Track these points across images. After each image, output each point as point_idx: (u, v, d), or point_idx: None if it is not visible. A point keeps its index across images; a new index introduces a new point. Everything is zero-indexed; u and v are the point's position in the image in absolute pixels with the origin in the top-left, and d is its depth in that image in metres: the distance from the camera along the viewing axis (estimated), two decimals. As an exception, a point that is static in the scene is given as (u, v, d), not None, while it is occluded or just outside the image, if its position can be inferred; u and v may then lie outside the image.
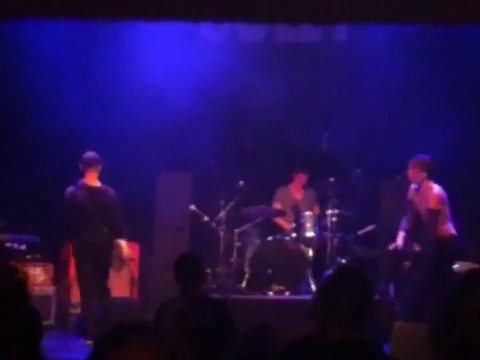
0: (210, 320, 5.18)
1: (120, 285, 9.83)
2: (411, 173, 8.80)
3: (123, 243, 8.68)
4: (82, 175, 8.73)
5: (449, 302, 2.55)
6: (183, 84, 10.41)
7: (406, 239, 9.00)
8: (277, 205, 10.89)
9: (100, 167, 8.77)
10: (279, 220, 10.84)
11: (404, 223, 9.06)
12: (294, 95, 10.91)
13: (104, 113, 10.46)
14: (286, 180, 11.04)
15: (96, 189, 8.70)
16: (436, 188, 8.69)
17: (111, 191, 8.76)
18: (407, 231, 8.98)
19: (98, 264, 8.53)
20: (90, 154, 8.75)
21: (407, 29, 9.63)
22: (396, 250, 9.03)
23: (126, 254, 8.74)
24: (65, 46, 10.35)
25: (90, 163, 8.70)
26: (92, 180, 8.73)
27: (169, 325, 4.93)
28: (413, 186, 8.94)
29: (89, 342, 8.20)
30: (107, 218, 8.61)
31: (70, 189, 8.62)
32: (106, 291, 8.64)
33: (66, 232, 9.51)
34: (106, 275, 8.67)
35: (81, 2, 7.21)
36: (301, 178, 10.91)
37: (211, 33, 10.97)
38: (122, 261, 8.73)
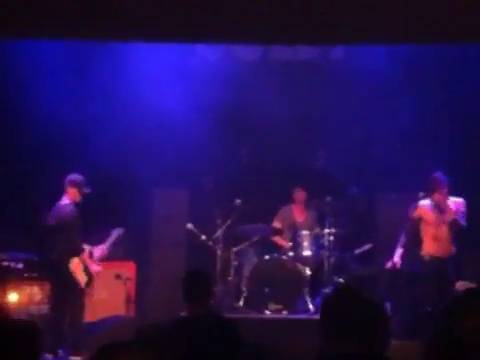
0: (216, 339, 5.16)
1: (116, 303, 9.80)
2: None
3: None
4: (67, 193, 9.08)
5: (445, 320, 2.55)
6: (180, 101, 10.44)
7: (404, 256, 9.02)
8: (277, 223, 10.88)
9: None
10: (277, 238, 10.82)
11: (402, 240, 9.08)
12: (290, 113, 10.91)
13: (100, 129, 10.46)
14: (283, 198, 11.01)
15: None
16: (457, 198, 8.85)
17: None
18: (405, 248, 9.00)
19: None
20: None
21: (402, 48, 9.69)
22: (393, 268, 9.05)
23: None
24: (60, 60, 10.35)
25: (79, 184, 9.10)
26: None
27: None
28: (421, 202, 8.99)
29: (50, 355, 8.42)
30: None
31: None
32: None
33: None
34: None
35: (78, 23, 7.25)
36: (300, 195, 10.86)
37: (207, 52, 11.01)
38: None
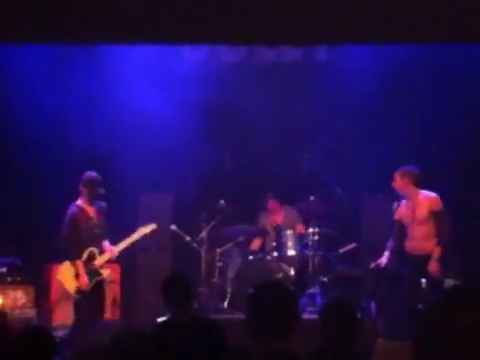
0: (200, 342, 5.16)
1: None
2: (398, 184, 8.80)
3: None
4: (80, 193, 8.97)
5: (432, 316, 2.55)
6: (163, 104, 10.44)
7: (390, 258, 9.02)
8: (261, 226, 10.90)
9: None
10: (254, 242, 10.81)
11: (391, 243, 9.08)
12: (274, 115, 10.92)
13: (83, 133, 10.45)
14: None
15: None
16: (429, 192, 8.76)
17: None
18: (393, 251, 9.00)
19: None
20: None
21: (386, 48, 9.72)
22: (378, 268, 9.06)
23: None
24: (46, 67, 10.33)
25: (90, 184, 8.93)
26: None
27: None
28: (400, 203, 8.98)
29: None
30: None
31: None
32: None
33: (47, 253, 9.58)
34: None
35: (62, 27, 7.23)
36: (273, 204, 10.84)
37: (191, 53, 11.00)
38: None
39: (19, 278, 9.83)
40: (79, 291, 8.77)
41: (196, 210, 10.38)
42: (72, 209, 8.80)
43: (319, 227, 10.23)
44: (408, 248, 8.92)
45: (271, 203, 10.79)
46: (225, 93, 10.66)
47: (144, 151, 10.53)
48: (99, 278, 8.89)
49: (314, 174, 10.90)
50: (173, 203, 10.70)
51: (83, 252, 8.80)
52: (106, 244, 8.99)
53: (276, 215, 10.87)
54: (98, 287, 8.87)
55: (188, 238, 10.14)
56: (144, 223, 9.45)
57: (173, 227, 10.20)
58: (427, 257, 8.67)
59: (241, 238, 10.43)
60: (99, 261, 8.90)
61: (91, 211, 8.92)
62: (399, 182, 8.80)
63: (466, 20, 7.11)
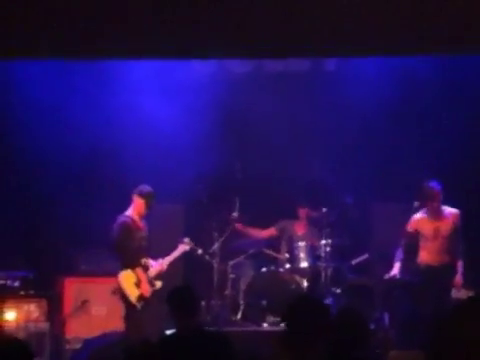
0: (207, 355, 5.16)
1: (114, 319, 9.74)
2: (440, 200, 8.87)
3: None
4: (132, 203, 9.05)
5: (446, 329, 2.55)
6: (173, 116, 10.45)
7: (402, 269, 9.04)
8: (272, 231, 10.86)
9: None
10: (271, 251, 10.74)
11: (400, 254, 9.09)
12: (284, 124, 10.92)
13: (92, 146, 10.48)
14: (278, 209, 10.96)
15: None
16: (452, 209, 8.93)
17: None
18: (403, 261, 9.02)
19: None
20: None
21: (395, 59, 9.74)
22: (391, 279, 9.07)
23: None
24: (47, 74, 10.35)
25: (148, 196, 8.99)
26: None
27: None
28: (416, 215, 9.01)
29: None
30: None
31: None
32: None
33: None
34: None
35: (63, 43, 7.25)
36: (303, 212, 10.78)
37: (200, 65, 11.01)
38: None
39: (32, 291, 9.84)
40: (141, 298, 8.74)
41: (208, 222, 10.38)
42: (124, 219, 8.84)
43: (331, 238, 10.21)
44: (423, 259, 8.94)
45: (303, 212, 10.77)
46: (235, 104, 10.69)
47: (154, 161, 10.53)
48: (154, 288, 8.90)
49: (324, 184, 10.89)
50: (184, 215, 10.69)
51: (140, 260, 8.84)
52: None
53: (301, 225, 10.83)
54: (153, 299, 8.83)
55: (200, 250, 10.08)
56: (155, 233, 9.47)
57: (186, 239, 10.08)
58: (442, 268, 8.72)
59: (253, 250, 10.43)
60: (151, 273, 8.95)
61: (141, 223, 9.00)
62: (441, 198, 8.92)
63: (474, 32, 7.11)
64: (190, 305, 5.76)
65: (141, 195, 8.89)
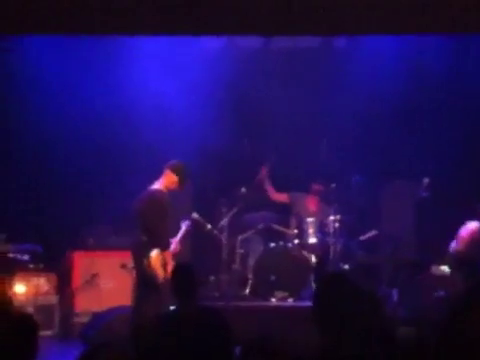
0: (206, 332, 5.22)
1: (123, 293, 9.78)
2: None
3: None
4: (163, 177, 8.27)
5: (454, 312, 2.58)
6: (182, 92, 10.46)
7: None
8: (285, 196, 10.88)
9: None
10: (280, 227, 10.72)
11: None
12: (292, 102, 10.91)
13: (102, 125, 10.51)
14: (286, 185, 10.98)
15: None
16: None
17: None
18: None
19: None
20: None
21: (404, 37, 9.70)
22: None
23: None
24: (49, 63, 10.37)
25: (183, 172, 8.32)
26: None
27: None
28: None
29: None
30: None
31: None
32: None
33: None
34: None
35: (74, 19, 7.25)
36: (319, 190, 10.73)
37: (209, 41, 10.98)
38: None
39: (41, 265, 9.91)
40: (165, 280, 7.81)
41: (217, 197, 10.41)
42: (161, 194, 8.07)
43: (340, 214, 10.23)
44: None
45: (317, 188, 10.73)
46: (243, 80, 10.68)
47: (163, 136, 10.53)
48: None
49: (332, 161, 10.90)
50: (193, 190, 10.71)
51: (170, 241, 8.27)
52: None
53: (314, 201, 10.85)
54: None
55: (209, 226, 10.09)
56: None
57: (195, 215, 10.02)
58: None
59: (261, 225, 10.47)
60: (168, 254, 8.24)
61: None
62: None
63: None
64: (189, 285, 5.75)
65: (177, 171, 8.20)
